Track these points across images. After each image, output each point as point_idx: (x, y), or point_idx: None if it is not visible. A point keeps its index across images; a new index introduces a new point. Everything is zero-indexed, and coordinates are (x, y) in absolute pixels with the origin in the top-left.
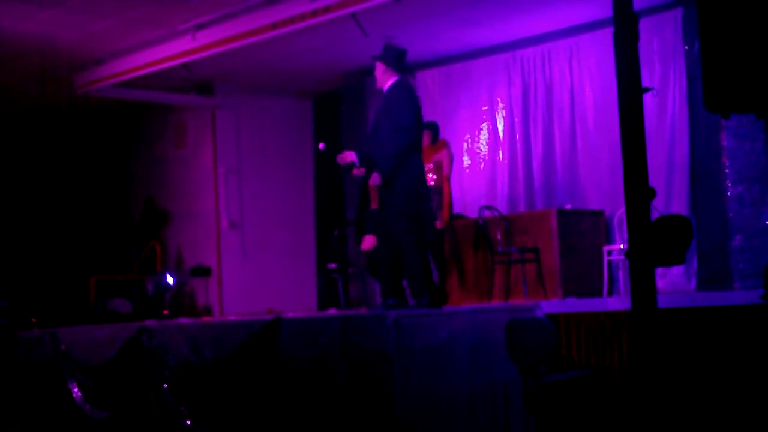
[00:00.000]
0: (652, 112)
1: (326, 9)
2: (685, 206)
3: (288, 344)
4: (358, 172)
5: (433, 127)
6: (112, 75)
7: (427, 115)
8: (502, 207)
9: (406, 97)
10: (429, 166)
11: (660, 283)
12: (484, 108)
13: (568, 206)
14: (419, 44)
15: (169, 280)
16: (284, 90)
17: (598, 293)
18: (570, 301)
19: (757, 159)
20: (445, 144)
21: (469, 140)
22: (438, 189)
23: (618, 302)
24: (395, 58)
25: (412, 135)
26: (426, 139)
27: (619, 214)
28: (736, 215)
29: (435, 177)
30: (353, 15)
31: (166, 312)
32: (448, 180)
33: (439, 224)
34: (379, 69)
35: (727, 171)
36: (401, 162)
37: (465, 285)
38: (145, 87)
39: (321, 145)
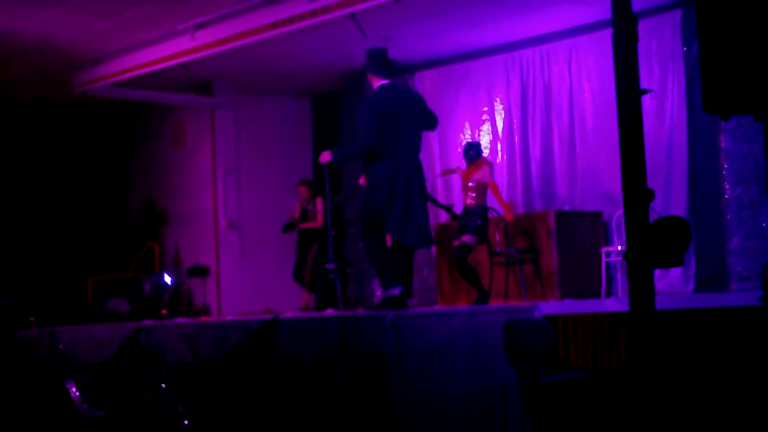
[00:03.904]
0: (651, 113)
1: (325, 9)
2: (683, 208)
3: (285, 344)
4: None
5: (472, 148)
6: (110, 74)
7: None
8: (501, 208)
9: (367, 108)
10: (471, 184)
11: (658, 285)
12: (483, 109)
13: (567, 207)
14: (418, 45)
15: (167, 279)
16: (283, 90)
17: (596, 294)
18: (568, 303)
19: (755, 161)
20: (485, 162)
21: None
22: (480, 208)
23: (616, 304)
24: (375, 63)
25: (361, 141)
26: (465, 161)
27: (617, 215)
28: (734, 217)
29: (475, 195)
30: (352, 15)
31: (163, 312)
32: (492, 183)
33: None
34: (368, 76)
35: (725, 173)
36: (351, 159)
37: (463, 286)
38: (143, 86)
39: None
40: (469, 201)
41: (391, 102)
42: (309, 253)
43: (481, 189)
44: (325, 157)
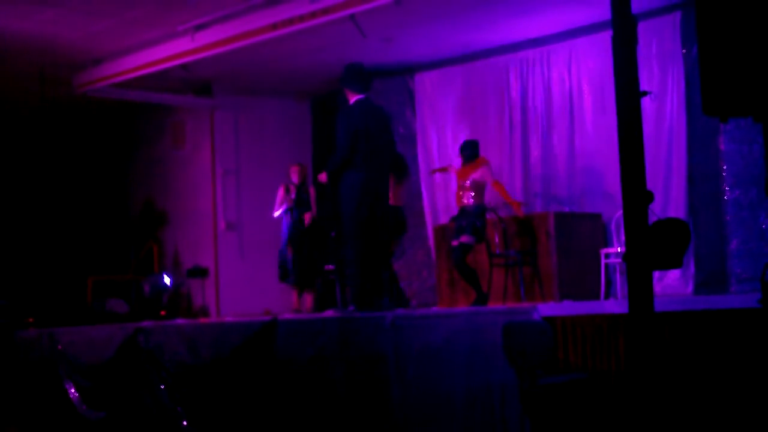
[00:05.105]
0: (651, 115)
1: (325, 10)
2: (682, 210)
3: (285, 345)
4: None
5: (468, 147)
6: (111, 75)
7: (426, 117)
8: (500, 209)
9: (344, 120)
10: (467, 183)
11: (657, 287)
12: (483, 110)
13: (566, 209)
14: (418, 46)
15: (167, 280)
16: (283, 91)
17: (595, 296)
18: (567, 304)
19: (754, 162)
20: (484, 162)
21: None
22: (478, 208)
23: (615, 305)
24: (352, 79)
25: (340, 152)
26: (461, 159)
27: (616, 217)
28: (734, 219)
29: (473, 194)
30: (352, 17)
31: (162, 312)
32: (497, 183)
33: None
34: (345, 90)
35: (724, 174)
36: (338, 171)
37: (462, 287)
38: (143, 87)
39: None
40: (467, 201)
41: (367, 116)
42: (304, 249)
43: (479, 188)
44: (323, 177)
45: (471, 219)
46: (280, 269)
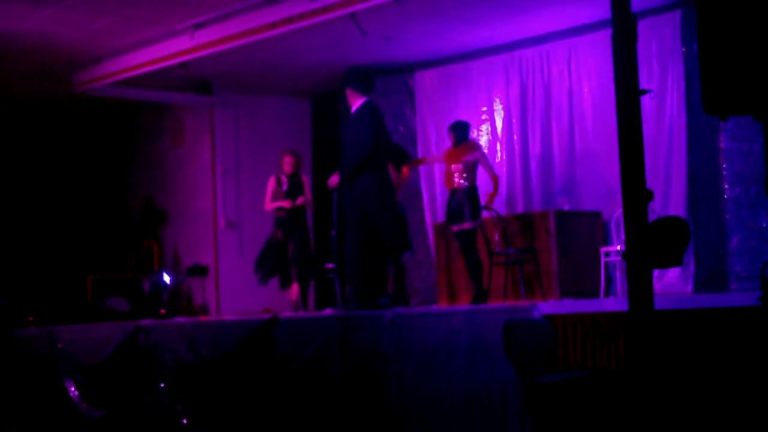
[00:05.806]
0: (650, 113)
1: (325, 9)
2: (682, 208)
3: (285, 344)
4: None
5: (460, 128)
6: (110, 73)
7: (426, 116)
8: (500, 208)
9: (368, 121)
10: (458, 166)
11: (657, 285)
12: (482, 109)
13: (566, 207)
14: (418, 44)
15: (166, 279)
16: (282, 89)
17: (595, 294)
18: (567, 302)
19: (754, 161)
20: (477, 146)
21: None
22: (471, 189)
23: (615, 303)
24: (359, 80)
25: (366, 151)
26: (451, 140)
27: (616, 215)
28: (734, 217)
29: (466, 176)
30: (352, 15)
31: (162, 311)
32: (495, 177)
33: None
34: (347, 92)
35: (724, 173)
36: (357, 173)
37: (462, 285)
38: (143, 86)
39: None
40: (460, 182)
41: (380, 116)
42: (289, 240)
43: (472, 169)
44: (334, 181)
45: (469, 203)
46: (262, 268)
